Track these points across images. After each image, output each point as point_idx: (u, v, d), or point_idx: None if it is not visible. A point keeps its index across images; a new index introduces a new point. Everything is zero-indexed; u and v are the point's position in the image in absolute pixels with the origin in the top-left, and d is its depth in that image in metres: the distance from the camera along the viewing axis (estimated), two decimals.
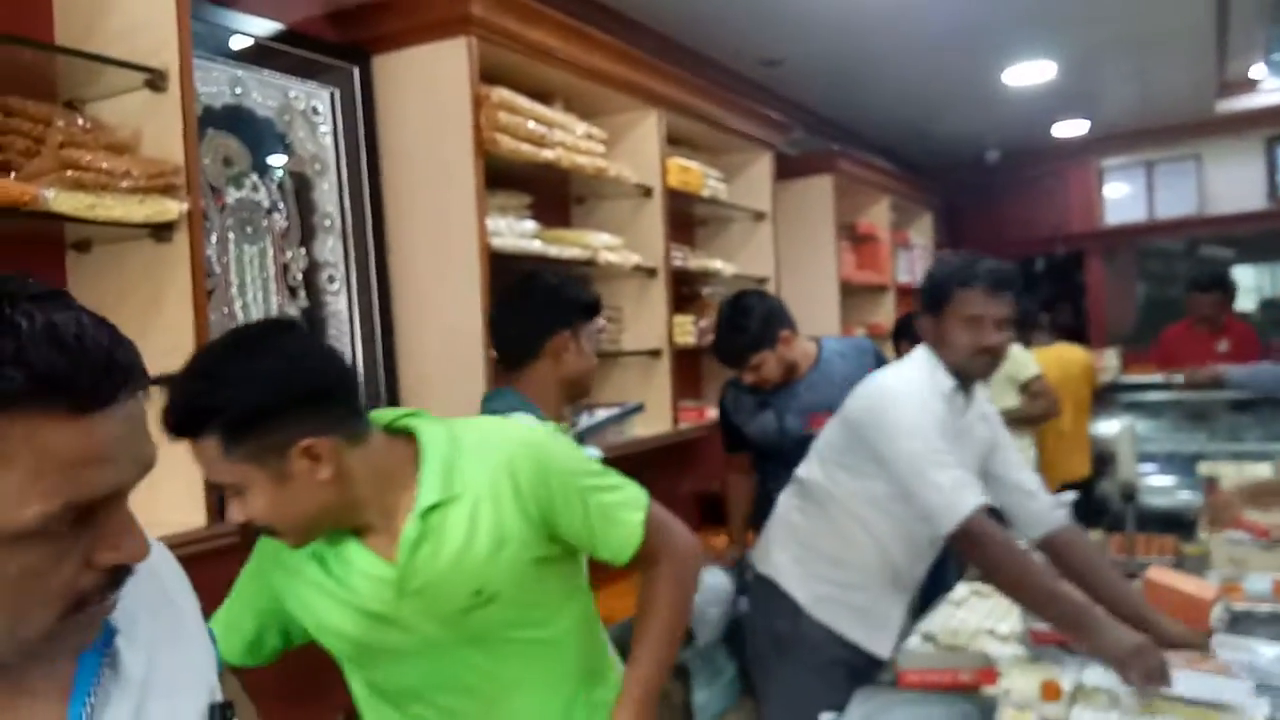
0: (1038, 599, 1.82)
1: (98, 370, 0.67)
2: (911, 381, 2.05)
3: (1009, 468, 2.14)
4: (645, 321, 3.29)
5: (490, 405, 2.03)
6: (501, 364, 2.12)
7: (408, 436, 1.31)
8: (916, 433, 1.95)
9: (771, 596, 2.18)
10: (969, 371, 2.06)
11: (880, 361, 2.83)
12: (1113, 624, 1.78)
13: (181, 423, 1.14)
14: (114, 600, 0.74)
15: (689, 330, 3.44)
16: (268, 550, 1.36)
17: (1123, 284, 6.98)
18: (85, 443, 0.67)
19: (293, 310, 2.31)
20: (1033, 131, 6.24)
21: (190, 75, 1.80)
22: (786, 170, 4.36)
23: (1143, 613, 1.87)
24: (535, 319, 2.00)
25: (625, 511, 1.39)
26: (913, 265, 5.72)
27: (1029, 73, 4.85)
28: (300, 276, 2.34)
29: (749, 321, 2.69)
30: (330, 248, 2.42)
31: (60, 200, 1.56)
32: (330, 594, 1.29)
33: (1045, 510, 2.09)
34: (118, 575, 0.72)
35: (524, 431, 1.38)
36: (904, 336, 3.83)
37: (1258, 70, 5.48)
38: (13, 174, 1.62)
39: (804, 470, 2.22)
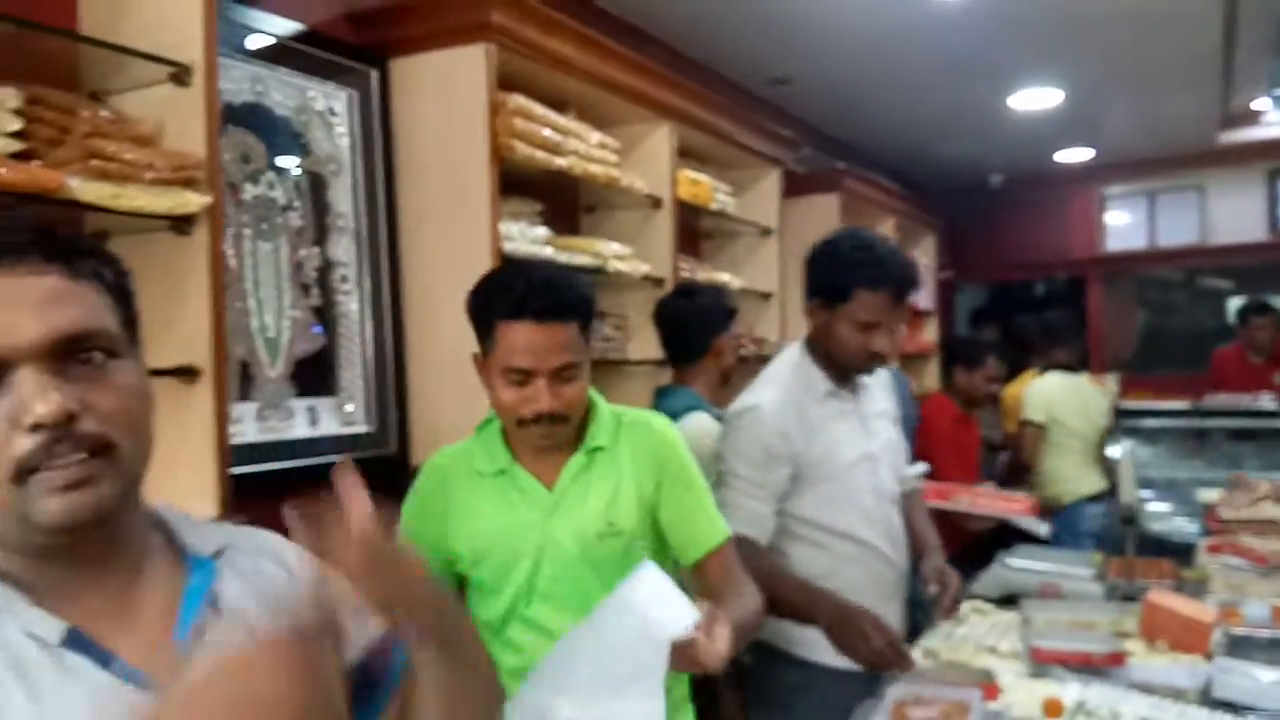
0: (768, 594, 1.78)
1: None
2: (764, 406, 1.98)
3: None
4: (652, 331, 3.30)
5: (665, 401, 2.40)
6: (672, 363, 2.67)
7: None
8: (737, 456, 1.98)
9: (774, 660, 2.10)
10: (854, 369, 2.05)
11: (903, 387, 2.81)
12: (829, 599, 1.87)
13: (564, 305, 1.48)
14: (75, 463, 0.78)
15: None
16: (428, 499, 1.62)
17: (1123, 311, 7.01)
18: None
19: (304, 309, 2.32)
20: (1036, 157, 6.28)
21: (215, 70, 1.82)
22: (794, 187, 4.38)
23: (929, 553, 2.13)
24: (704, 322, 2.55)
25: (716, 517, 1.68)
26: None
27: (1035, 99, 4.89)
28: (314, 275, 2.35)
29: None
30: (344, 248, 2.43)
31: (85, 189, 1.57)
32: (495, 514, 1.57)
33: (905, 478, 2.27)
34: (55, 438, 0.77)
35: (664, 423, 1.70)
36: (958, 359, 3.79)
37: (1261, 103, 5.53)
38: (37, 162, 1.63)
39: None
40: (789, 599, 1.90)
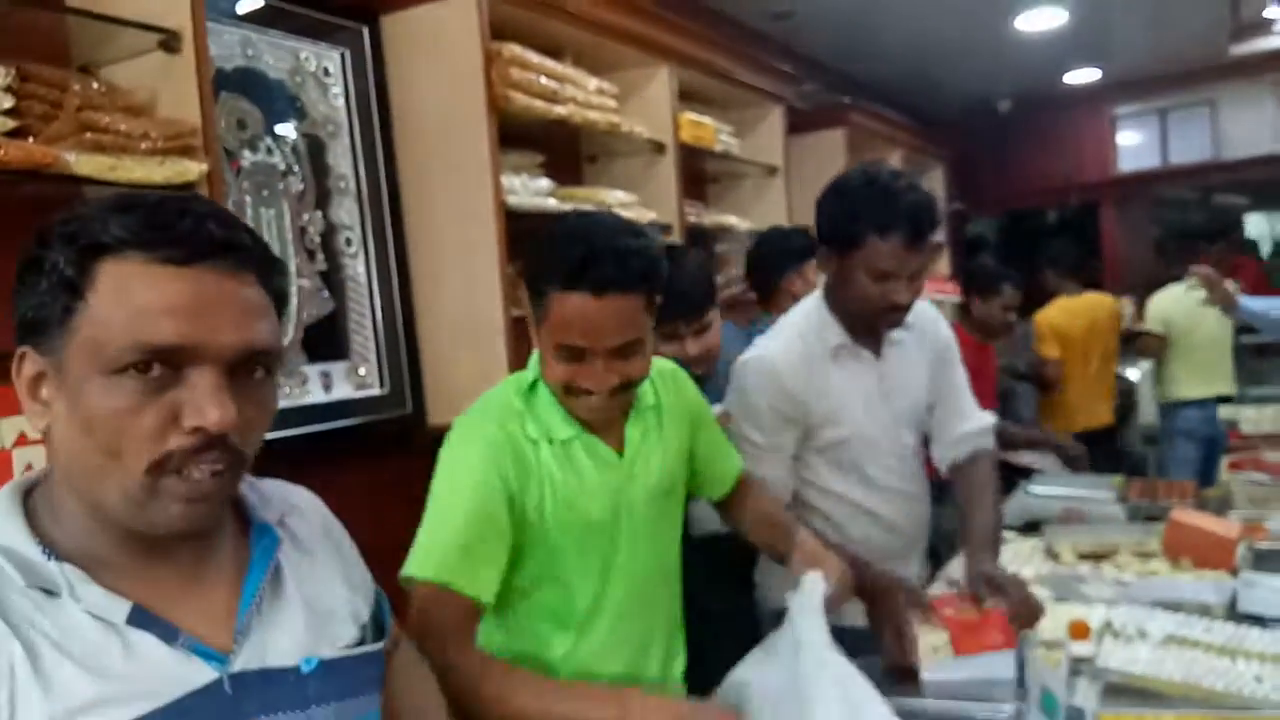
0: None
1: (185, 232, 0.78)
2: (773, 361, 1.84)
3: (950, 396, 2.03)
4: None
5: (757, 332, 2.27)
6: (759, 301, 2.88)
7: None
8: (742, 414, 1.87)
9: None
10: (869, 325, 1.86)
11: None
12: (871, 568, 1.72)
13: (628, 276, 1.28)
14: (210, 474, 0.80)
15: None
16: (496, 481, 1.34)
17: (1137, 233, 6.92)
18: (159, 291, 0.77)
19: (311, 274, 2.32)
20: (1044, 80, 6.17)
21: (204, 35, 1.79)
22: (798, 124, 4.32)
23: (975, 552, 1.82)
24: (769, 264, 2.74)
25: (730, 446, 1.69)
26: None
27: (1040, 19, 4.79)
28: (318, 239, 2.34)
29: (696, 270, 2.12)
30: (346, 210, 2.42)
31: (82, 162, 1.56)
32: (574, 483, 1.40)
33: (962, 437, 2.01)
34: (208, 444, 0.79)
35: (676, 367, 1.62)
36: (974, 289, 3.75)
37: (1272, 11, 5.38)
38: (32, 138, 1.62)
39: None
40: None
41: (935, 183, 6.22)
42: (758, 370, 1.87)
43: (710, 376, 2.02)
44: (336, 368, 2.35)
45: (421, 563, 1.29)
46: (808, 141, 4.46)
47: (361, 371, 2.41)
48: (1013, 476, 3.01)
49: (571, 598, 1.43)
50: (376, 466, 2.34)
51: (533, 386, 1.43)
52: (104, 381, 0.76)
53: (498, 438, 1.36)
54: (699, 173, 3.92)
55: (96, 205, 0.80)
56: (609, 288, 1.27)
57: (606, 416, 1.42)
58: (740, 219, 3.77)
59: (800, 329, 1.90)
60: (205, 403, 0.77)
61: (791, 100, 4.18)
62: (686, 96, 3.47)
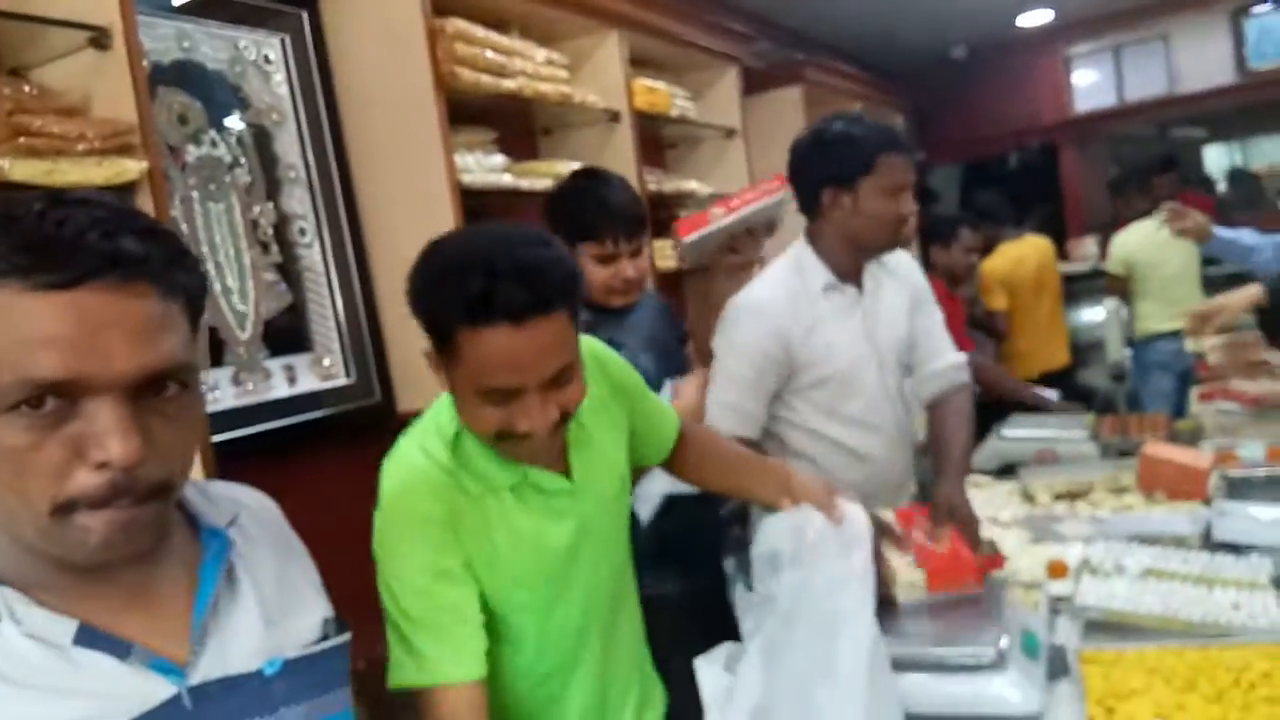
0: None
1: (62, 251, 0.70)
2: (762, 303, 1.94)
3: (928, 336, 2.12)
4: None
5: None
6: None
7: None
8: (732, 351, 1.94)
9: None
10: (886, 244, 1.96)
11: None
12: None
13: (547, 293, 1.10)
14: (137, 514, 0.74)
15: (669, 255, 3.41)
16: (447, 550, 1.21)
17: (1097, 172, 6.95)
18: (39, 321, 0.70)
19: (266, 266, 2.28)
20: (998, 24, 6.15)
21: (134, 29, 1.74)
22: (754, 84, 4.29)
23: (947, 478, 1.88)
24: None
25: (661, 403, 1.56)
26: None
27: None
28: (270, 231, 2.30)
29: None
30: (298, 199, 2.37)
31: (16, 168, 1.52)
32: (531, 526, 1.26)
33: (938, 371, 2.10)
34: (119, 481, 0.72)
35: (592, 343, 1.39)
36: (933, 238, 3.74)
37: None
38: None
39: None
40: None
41: None
42: (749, 309, 1.95)
43: (633, 308, 2.05)
44: (300, 360, 2.32)
45: (404, 672, 1.19)
46: (764, 101, 4.44)
47: (326, 362, 2.38)
48: (987, 420, 3.03)
49: (533, 650, 1.32)
50: (349, 457, 2.30)
51: (458, 436, 1.24)
52: None
53: (434, 513, 1.20)
54: (656, 139, 3.88)
55: None
56: (527, 312, 1.08)
57: (545, 459, 1.25)
58: (701, 183, 3.75)
59: (787, 271, 1.99)
60: (107, 437, 0.71)
61: (746, 60, 4.14)
62: (638, 62, 3.43)
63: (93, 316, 0.70)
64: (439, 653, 1.18)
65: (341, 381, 2.39)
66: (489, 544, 1.23)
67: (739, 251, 2.21)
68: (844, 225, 1.94)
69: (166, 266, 0.75)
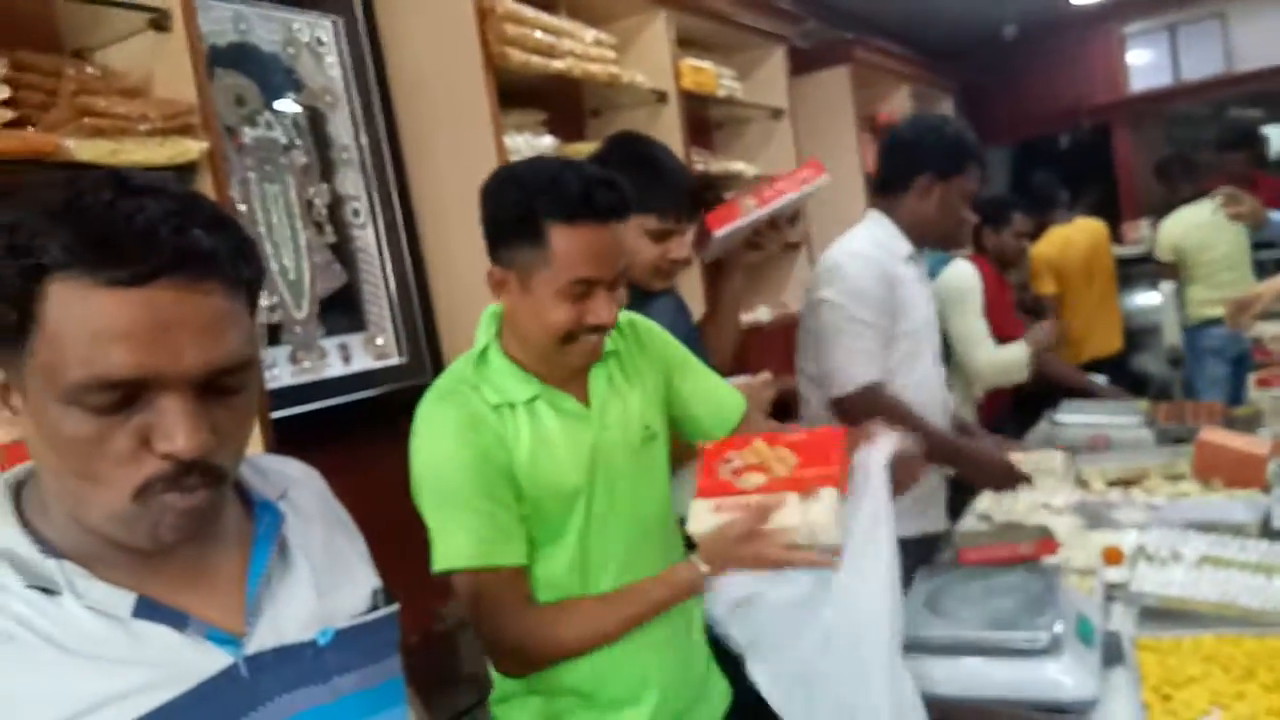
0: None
1: (134, 247, 0.70)
2: (864, 252, 2.12)
3: None
4: None
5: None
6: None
7: None
8: (851, 297, 2.05)
9: None
10: (951, 240, 2.26)
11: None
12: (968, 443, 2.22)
13: (623, 201, 1.31)
14: (199, 491, 0.76)
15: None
16: (481, 452, 1.31)
17: (1151, 154, 6.81)
18: (110, 318, 0.70)
19: (321, 247, 2.31)
20: (1049, 1, 6.03)
21: (193, 10, 1.77)
22: (801, 64, 4.25)
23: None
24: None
25: (730, 389, 1.60)
26: None
27: None
28: (325, 212, 2.33)
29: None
30: (351, 180, 2.40)
31: (83, 149, 1.55)
32: (545, 444, 1.35)
33: None
34: (185, 469, 0.74)
35: (631, 317, 1.53)
36: (984, 220, 3.68)
37: None
38: (30, 128, 1.61)
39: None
40: (938, 442, 2.02)
41: (944, 114, 6.12)
42: (860, 257, 2.10)
43: (659, 296, 1.89)
44: (354, 339, 2.35)
45: (447, 555, 1.28)
46: (812, 81, 4.39)
47: (380, 342, 2.41)
48: (1038, 406, 2.99)
49: (554, 560, 1.37)
50: (402, 436, 2.34)
51: (482, 355, 1.39)
52: (64, 409, 0.71)
53: (461, 416, 1.32)
54: (703, 120, 3.86)
55: (43, 209, 0.71)
56: (610, 214, 1.29)
57: (596, 359, 1.40)
58: (748, 164, 3.73)
59: (871, 232, 2.18)
60: (175, 430, 0.72)
61: (793, 39, 4.10)
62: (685, 42, 3.41)
63: (163, 314, 0.71)
64: (482, 540, 1.27)
65: (394, 360, 2.42)
66: (506, 454, 1.32)
67: (761, 246, 2.17)
68: (921, 212, 2.14)
69: (234, 260, 0.76)
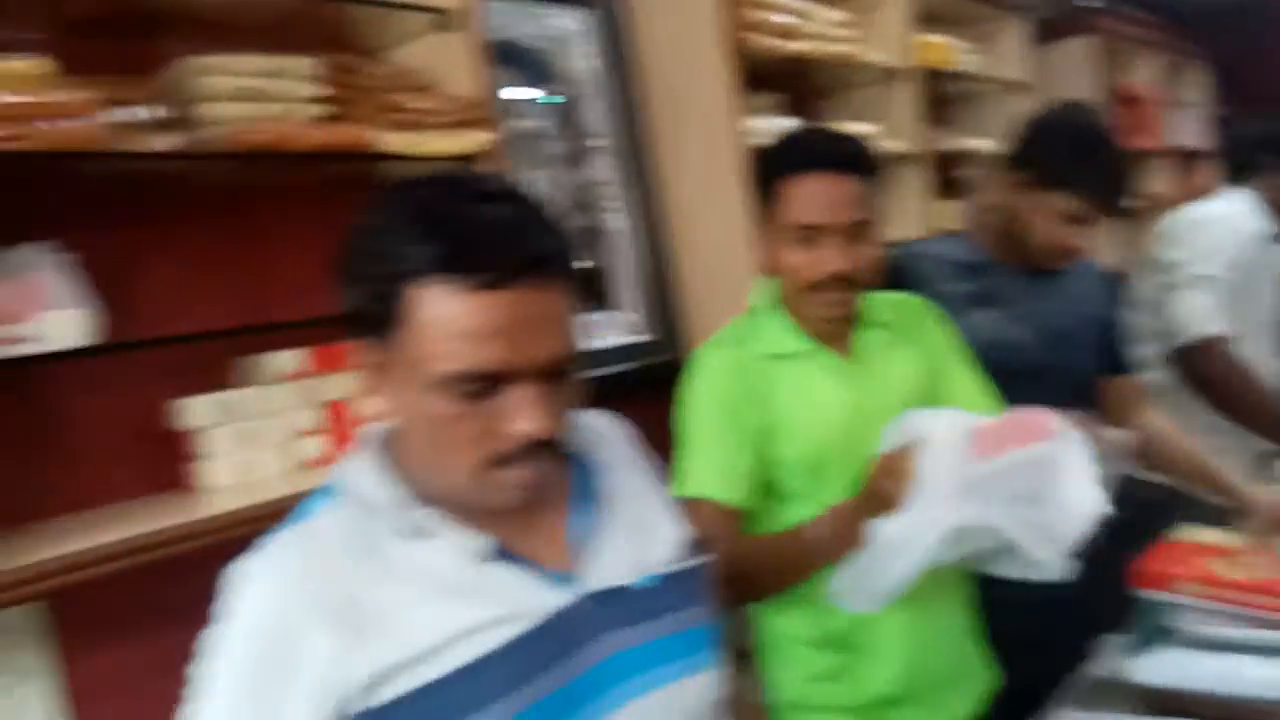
0: (1260, 421, 2.07)
1: (495, 256, 0.78)
2: (1228, 215, 2.21)
3: None
4: (905, 211, 3.19)
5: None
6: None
7: None
8: (1206, 254, 2.14)
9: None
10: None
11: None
12: None
13: (852, 156, 1.39)
14: (543, 467, 0.85)
15: (952, 218, 3.30)
16: (734, 395, 1.41)
17: None
18: (480, 319, 0.78)
19: (575, 230, 2.43)
20: None
21: (478, 11, 1.89)
22: (1043, 35, 4.05)
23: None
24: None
25: (988, 396, 1.56)
26: (1184, 127, 5.20)
27: None
28: (580, 198, 2.45)
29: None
30: (603, 167, 2.51)
31: (391, 141, 1.70)
32: (808, 397, 1.42)
33: None
34: (533, 447, 0.82)
35: (921, 300, 1.61)
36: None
37: None
38: (343, 124, 1.77)
39: None
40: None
41: (1195, 87, 5.67)
42: (1218, 219, 2.26)
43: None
44: (607, 317, 2.46)
45: (680, 482, 1.38)
46: (1054, 52, 4.18)
47: (630, 319, 2.51)
48: None
49: (802, 515, 1.38)
50: (651, 409, 2.42)
51: (757, 311, 1.50)
52: (429, 394, 0.81)
53: (722, 362, 1.45)
54: (938, 96, 3.75)
55: (401, 214, 0.81)
56: (837, 166, 1.36)
57: (844, 313, 1.43)
58: (985, 141, 3.60)
59: (1244, 211, 2.30)
60: (527, 414, 0.80)
61: (1035, 8, 3.92)
62: (922, 16, 3.33)
63: (519, 313, 0.79)
64: (707, 473, 1.37)
65: (644, 337, 2.52)
66: (761, 403, 1.40)
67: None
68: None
69: (567, 259, 0.85)
